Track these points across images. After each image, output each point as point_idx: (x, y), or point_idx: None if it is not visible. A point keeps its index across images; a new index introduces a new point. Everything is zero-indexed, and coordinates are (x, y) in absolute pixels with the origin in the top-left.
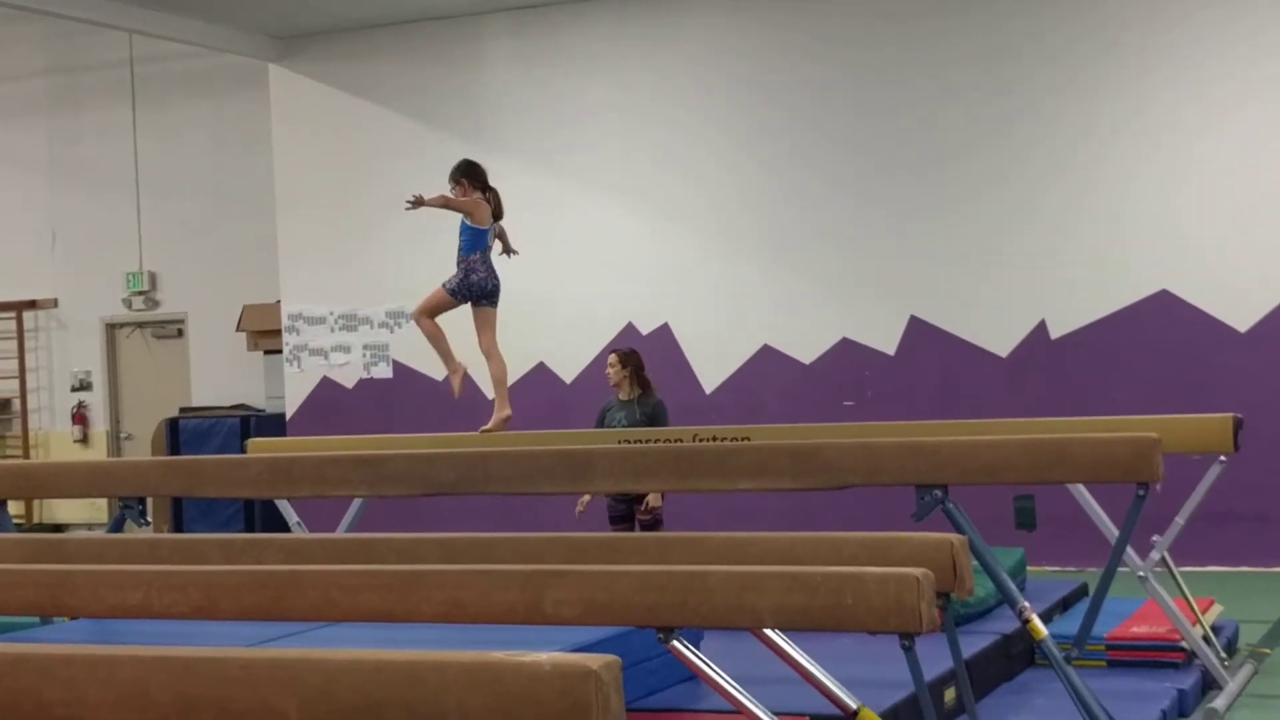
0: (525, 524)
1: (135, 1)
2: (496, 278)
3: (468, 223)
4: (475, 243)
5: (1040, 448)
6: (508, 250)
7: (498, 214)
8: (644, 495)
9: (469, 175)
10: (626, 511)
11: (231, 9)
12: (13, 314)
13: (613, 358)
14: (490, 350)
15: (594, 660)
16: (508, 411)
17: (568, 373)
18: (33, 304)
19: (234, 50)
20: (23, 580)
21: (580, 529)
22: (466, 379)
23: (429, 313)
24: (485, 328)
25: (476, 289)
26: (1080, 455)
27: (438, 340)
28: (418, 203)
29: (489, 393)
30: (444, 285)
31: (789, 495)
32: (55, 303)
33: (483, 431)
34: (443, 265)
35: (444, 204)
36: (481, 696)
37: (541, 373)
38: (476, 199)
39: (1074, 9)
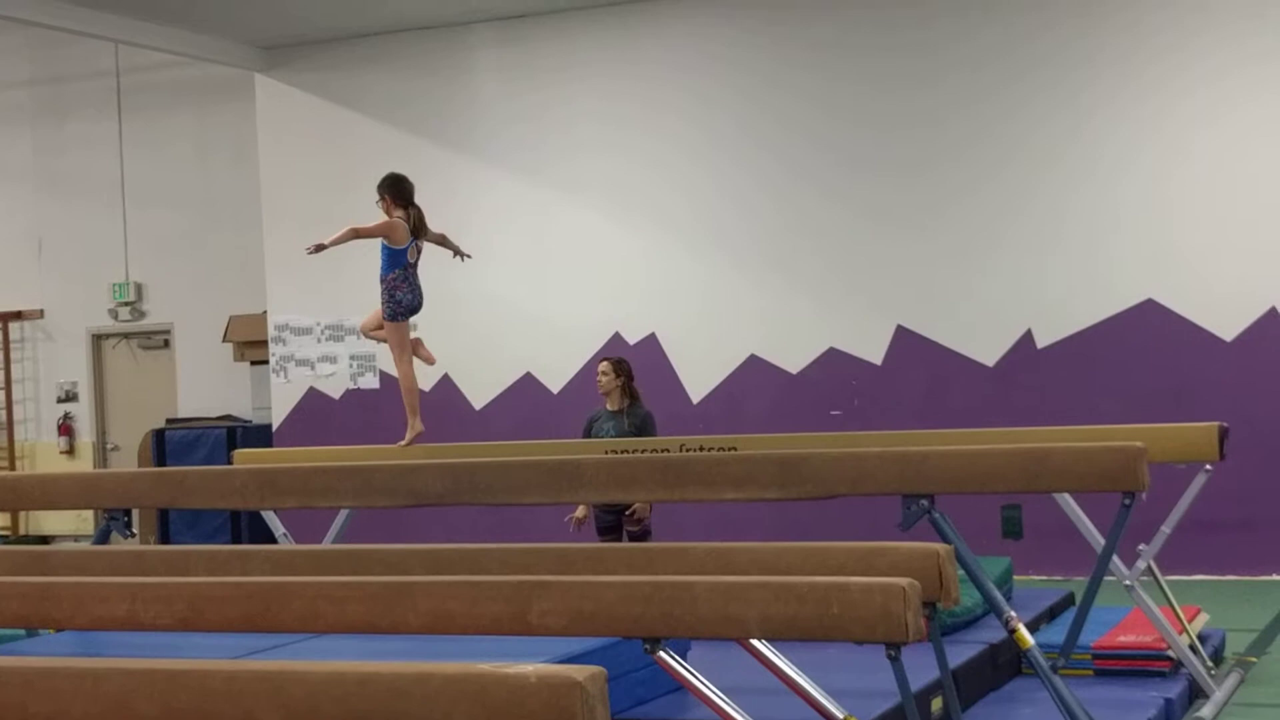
0: (512, 535)
1: (121, 12)
2: (420, 294)
3: (385, 243)
4: (394, 262)
5: (1027, 457)
6: (460, 255)
7: (418, 231)
8: (632, 506)
9: (392, 191)
10: (614, 522)
11: (217, 20)
12: None
13: (605, 365)
14: (401, 362)
15: (579, 672)
16: (420, 428)
17: (555, 383)
18: (19, 315)
19: (220, 60)
20: (8, 592)
21: (569, 540)
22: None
23: (404, 347)
24: (400, 342)
25: (406, 306)
26: (1067, 464)
27: (419, 349)
28: (319, 248)
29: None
30: (385, 318)
31: (775, 505)
32: (41, 313)
33: (399, 445)
34: (431, 275)
35: (354, 236)
36: (467, 708)
37: (528, 383)
38: (394, 220)
39: (1058, 18)
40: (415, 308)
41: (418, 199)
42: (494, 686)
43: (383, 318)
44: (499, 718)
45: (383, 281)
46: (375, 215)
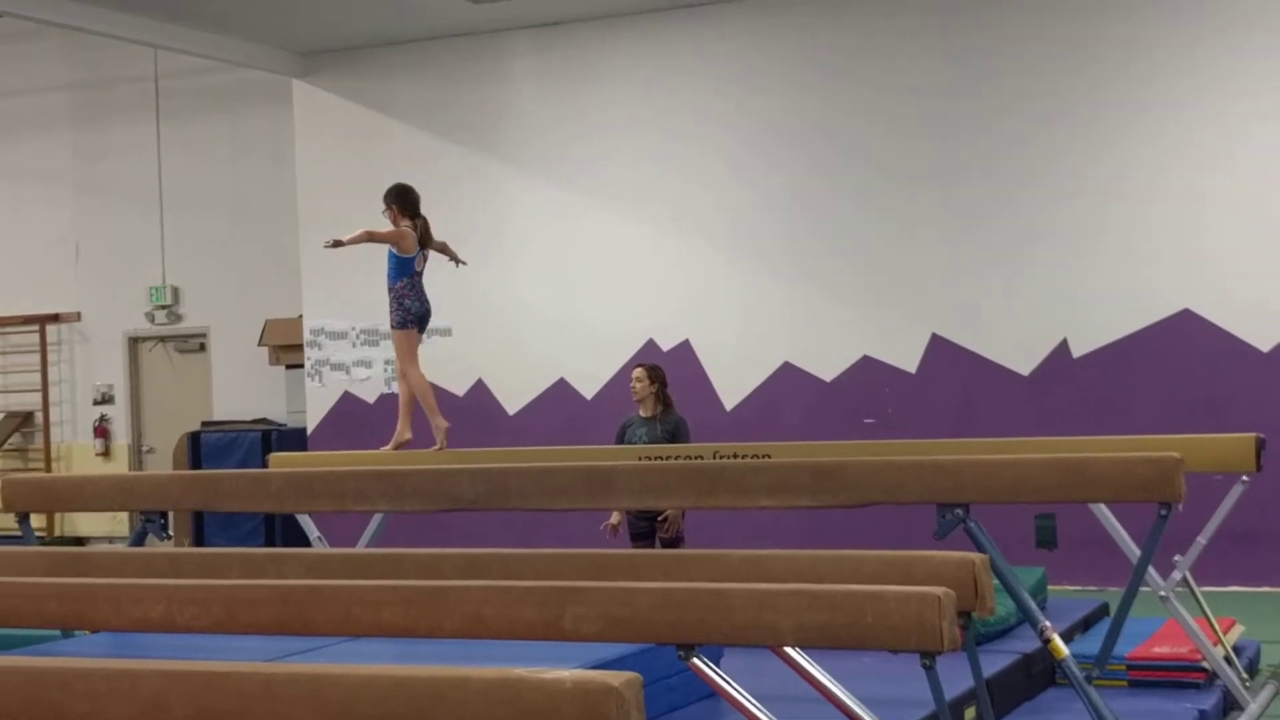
0: (543, 540)
1: (160, 17)
2: (427, 303)
3: (393, 251)
4: (401, 271)
5: (1063, 467)
6: (456, 261)
7: (425, 241)
8: (665, 512)
9: (400, 201)
10: (648, 529)
11: (256, 25)
12: (36, 327)
13: (639, 371)
14: (411, 370)
15: (615, 678)
16: (409, 435)
17: (588, 389)
18: (56, 317)
19: (258, 66)
20: (45, 593)
21: (601, 546)
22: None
23: (414, 359)
24: (408, 351)
25: (414, 315)
26: (1103, 475)
27: (426, 396)
28: (336, 244)
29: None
30: (393, 327)
31: (808, 513)
32: (78, 316)
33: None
34: (463, 279)
35: (368, 238)
36: (502, 713)
37: (561, 389)
38: (403, 228)
39: (1097, 28)
40: (423, 316)
41: (453, 204)
42: (530, 691)
43: (391, 326)
44: None
45: (390, 290)
46: (387, 224)
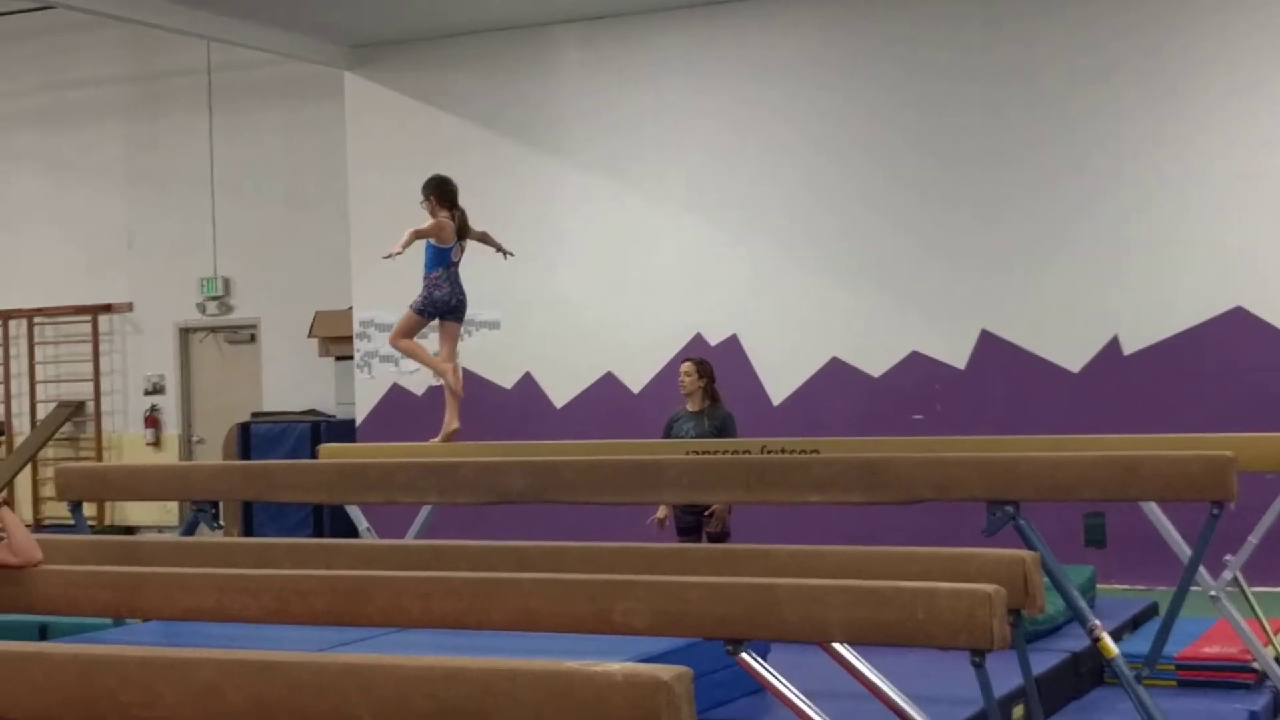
0: (588, 533)
1: (214, 10)
2: (462, 294)
3: (432, 242)
4: (438, 260)
5: (1115, 465)
6: (501, 250)
7: (463, 232)
8: (711, 507)
9: (438, 192)
10: (694, 523)
11: (308, 18)
12: (88, 317)
13: (688, 365)
14: (449, 362)
15: (666, 671)
16: (456, 424)
17: (635, 383)
18: (108, 308)
19: (310, 58)
20: (98, 581)
21: (647, 540)
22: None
23: (403, 334)
24: (447, 340)
25: (441, 305)
26: (1155, 473)
27: (416, 353)
28: (392, 255)
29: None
30: (411, 306)
31: (853, 509)
32: (130, 307)
33: (435, 442)
34: (512, 272)
35: (415, 238)
36: (554, 705)
37: (609, 383)
38: (442, 219)
39: (1165, 26)
40: (451, 307)
41: (503, 196)
42: (581, 684)
43: (410, 306)
44: (585, 715)
45: (426, 278)
46: (424, 216)
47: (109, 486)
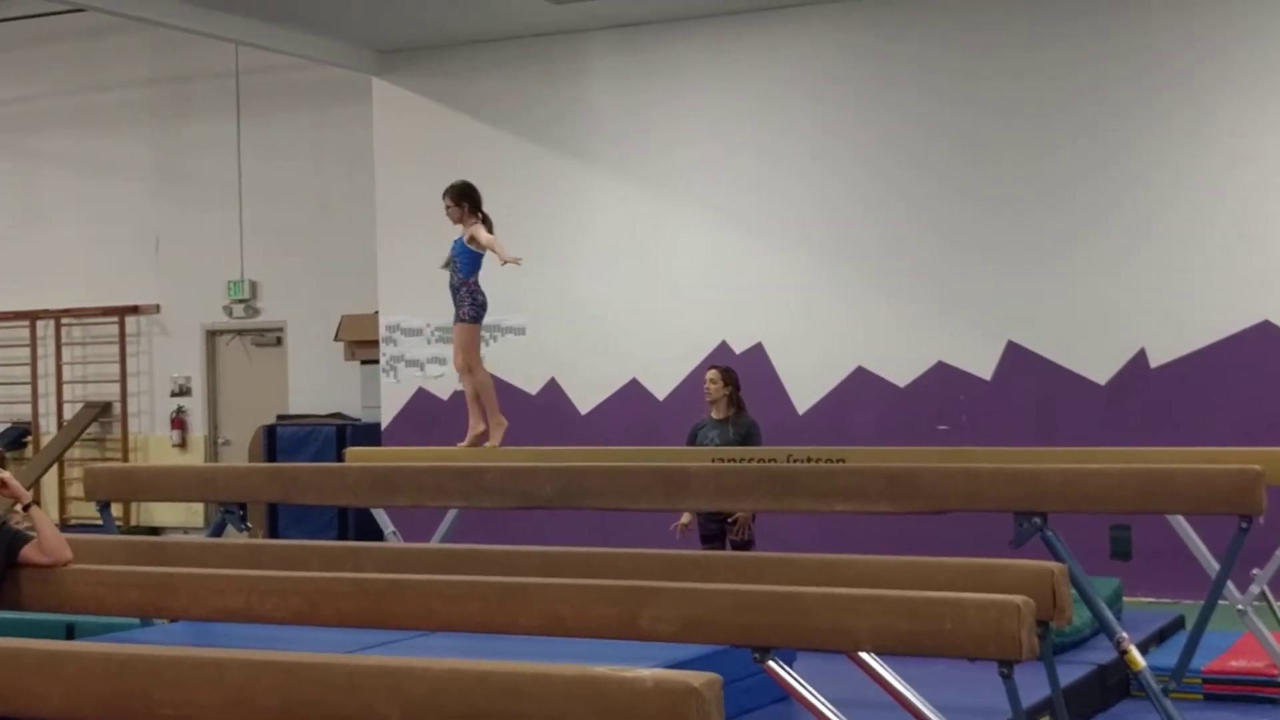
0: (611, 539)
1: (242, 14)
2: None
3: (471, 247)
4: (475, 266)
5: (1143, 478)
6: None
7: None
8: (736, 514)
9: (471, 198)
10: (718, 530)
11: (336, 22)
12: (115, 319)
13: (714, 373)
14: (479, 366)
15: (696, 678)
16: (484, 427)
17: (661, 390)
18: (135, 309)
19: (338, 63)
20: (127, 581)
21: (671, 547)
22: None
23: (475, 350)
24: (478, 345)
25: (484, 308)
26: (1183, 486)
27: (491, 392)
28: (517, 259)
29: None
30: (466, 319)
31: (878, 519)
32: (157, 309)
33: (491, 446)
34: (537, 279)
35: (490, 244)
36: (583, 710)
37: (634, 389)
38: (478, 223)
39: (1179, 37)
40: (486, 309)
41: (529, 203)
42: (612, 690)
43: (463, 319)
44: None
45: (465, 284)
46: (444, 220)
47: (136, 487)
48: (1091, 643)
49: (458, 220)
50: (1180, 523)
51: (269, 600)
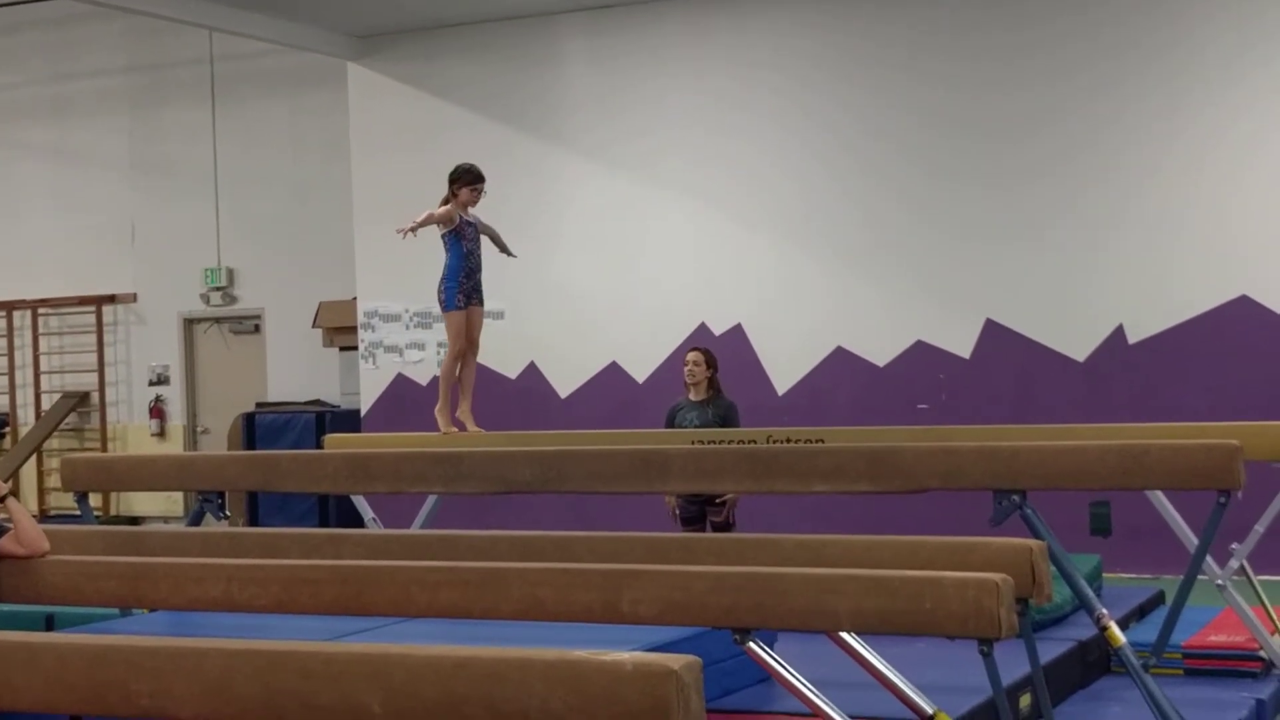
0: (592, 523)
1: (217, 0)
2: None
3: (457, 238)
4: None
5: (1121, 454)
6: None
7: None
8: (717, 496)
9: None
10: (698, 513)
11: (311, 7)
12: (92, 308)
13: (695, 355)
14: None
15: (675, 660)
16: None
17: (640, 372)
18: (112, 298)
19: (313, 48)
20: (106, 571)
21: (651, 529)
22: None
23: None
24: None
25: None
26: (1161, 462)
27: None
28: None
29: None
30: (457, 308)
31: (859, 499)
32: (134, 297)
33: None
34: (520, 264)
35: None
36: (563, 694)
37: (613, 372)
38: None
39: (1149, 18)
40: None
41: (507, 187)
42: (591, 673)
43: (453, 308)
44: (595, 704)
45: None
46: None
47: (115, 477)
48: (1072, 619)
49: (460, 206)
50: (1159, 498)
51: (248, 588)
